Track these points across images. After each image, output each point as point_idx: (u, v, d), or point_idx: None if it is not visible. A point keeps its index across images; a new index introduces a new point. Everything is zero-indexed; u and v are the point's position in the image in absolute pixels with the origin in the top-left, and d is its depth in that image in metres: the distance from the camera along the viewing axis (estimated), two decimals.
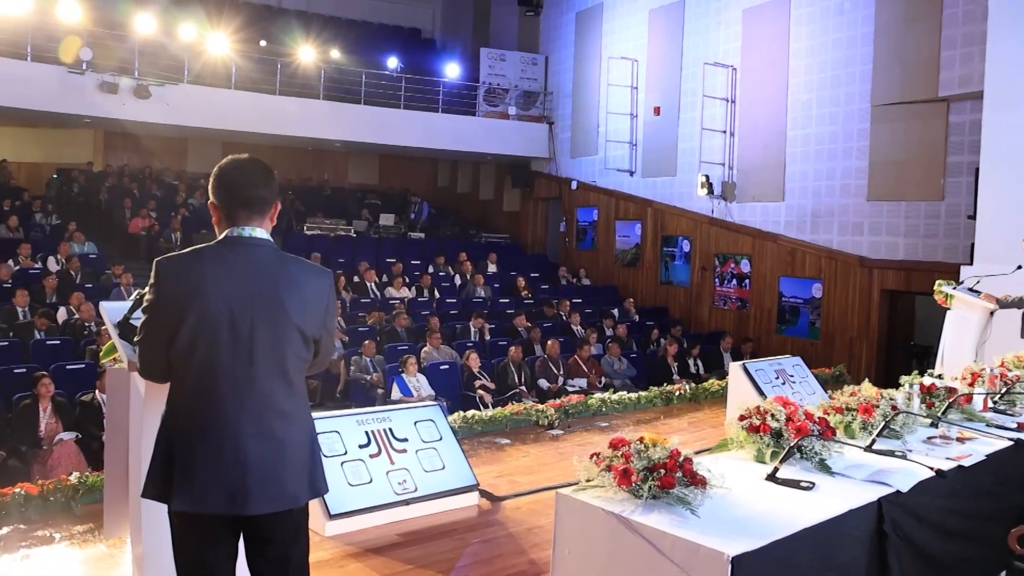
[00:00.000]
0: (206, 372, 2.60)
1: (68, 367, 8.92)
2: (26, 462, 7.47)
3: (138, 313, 3.33)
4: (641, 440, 3.16)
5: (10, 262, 12.42)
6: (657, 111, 17.04)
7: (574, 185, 19.43)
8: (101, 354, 3.88)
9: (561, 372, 11.42)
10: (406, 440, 5.72)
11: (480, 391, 10.54)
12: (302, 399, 2.77)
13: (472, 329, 13.09)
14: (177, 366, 2.64)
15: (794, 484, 3.37)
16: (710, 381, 10.63)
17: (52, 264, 13.02)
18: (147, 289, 2.68)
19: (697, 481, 3.07)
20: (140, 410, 3.39)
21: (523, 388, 10.85)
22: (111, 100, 15.17)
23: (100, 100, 15.10)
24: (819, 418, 3.83)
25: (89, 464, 7.02)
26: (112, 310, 3.56)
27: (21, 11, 14.25)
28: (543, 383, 11.18)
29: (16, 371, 8.70)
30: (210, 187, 2.77)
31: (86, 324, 10.28)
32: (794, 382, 8.37)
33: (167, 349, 2.63)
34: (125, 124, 16.71)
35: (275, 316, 2.65)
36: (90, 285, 12.00)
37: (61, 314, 10.88)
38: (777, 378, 8.21)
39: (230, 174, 2.75)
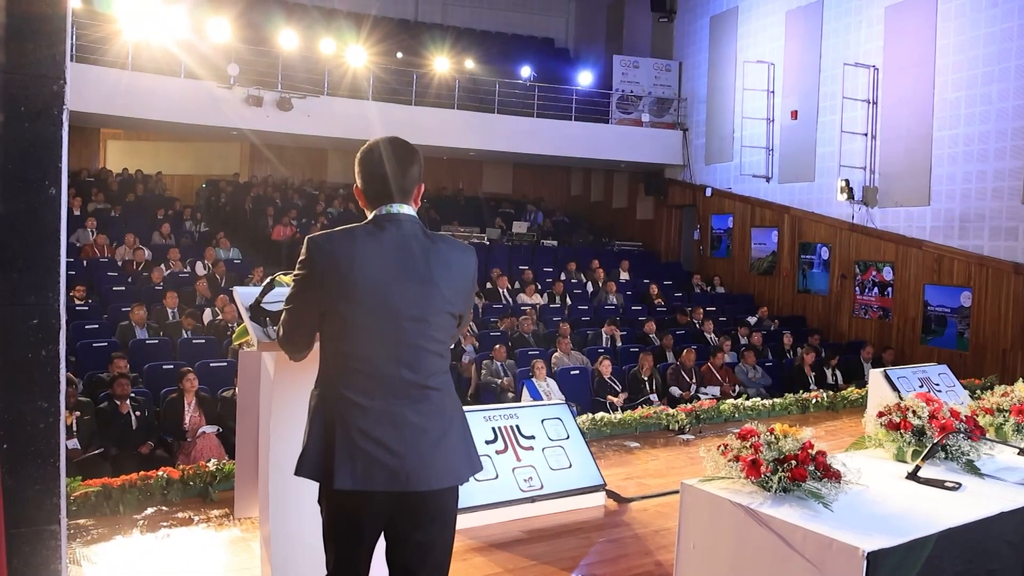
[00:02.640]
0: (362, 347, 2.59)
1: (212, 364, 9.29)
2: (171, 453, 7.82)
3: (271, 296, 3.43)
4: (771, 431, 3.04)
5: (162, 266, 13.07)
6: (794, 115, 16.57)
7: (708, 192, 19.10)
8: (233, 337, 4.00)
9: (693, 380, 11.20)
10: (533, 438, 5.69)
11: (610, 397, 10.43)
12: (448, 373, 2.76)
13: (604, 336, 13.00)
14: (331, 342, 2.65)
15: (938, 484, 3.17)
16: (849, 389, 10.23)
17: (200, 268, 13.61)
18: (297, 265, 2.68)
19: (831, 475, 2.93)
20: (270, 392, 3.46)
21: (653, 396, 10.67)
22: (256, 113, 15.83)
23: (246, 113, 15.77)
24: (966, 417, 3.60)
25: (229, 456, 7.26)
26: (244, 294, 3.66)
27: (177, 33, 15.05)
28: (675, 390, 10.99)
29: (165, 367, 9.12)
30: (356, 171, 2.78)
31: (229, 324, 10.68)
32: (939, 391, 7.93)
33: (315, 325, 2.67)
34: (269, 135, 17.39)
35: (427, 291, 2.63)
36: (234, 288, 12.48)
37: (207, 315, 11.36)
38: (921, 386, 7.81)
39: (376, 156, 2.75)
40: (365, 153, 2.77)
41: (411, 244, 2.66)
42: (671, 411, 8.36)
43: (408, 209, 2.73)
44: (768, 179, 17.26)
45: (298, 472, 2.67)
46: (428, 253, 2.67)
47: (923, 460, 3.29)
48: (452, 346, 2.90)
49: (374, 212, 2.73)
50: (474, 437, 5.16)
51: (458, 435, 2.70)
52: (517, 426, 5.69)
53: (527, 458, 5.54)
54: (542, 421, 5.85)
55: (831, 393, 10.08)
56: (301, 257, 2.66)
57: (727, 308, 16.35)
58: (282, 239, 16.14)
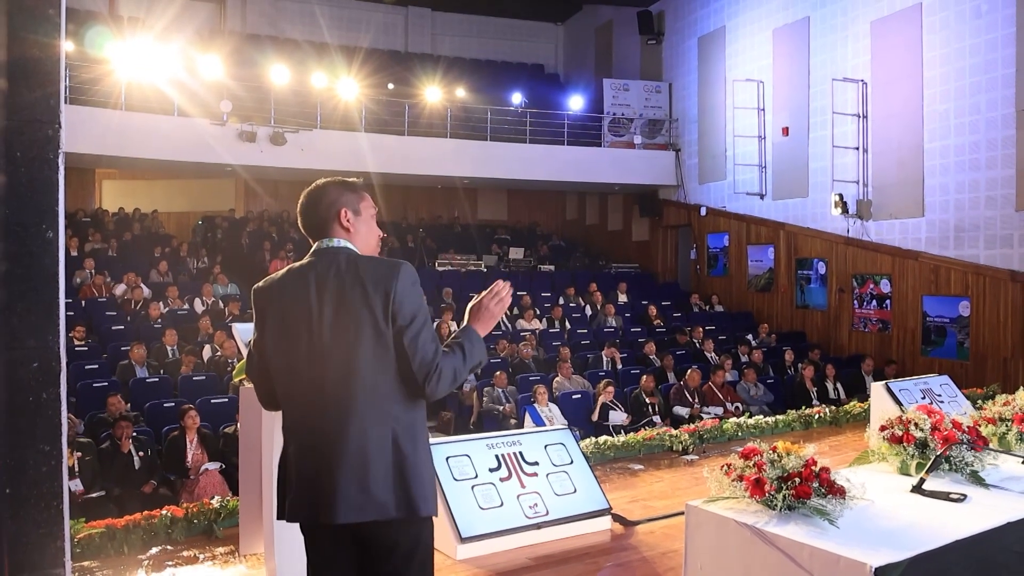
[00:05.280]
0: (288, 380, 2.68)
1: (212, 401, 9.27)
2: (175, 491, 7.79)
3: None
4: (774, 449, 3.04)
5: (160, 304, 13.07)
6: (786, 131, 16.66)
7: (703, 211, 19.15)
8: (234, 373, 4.00)
9: (696, 400, 11.18)
10: (536, 464, 5.67)
11: (612, 414, 10.41)
12: (393, 403, 2.65)
13: (604, 359, 12.99)
14: (275, 381, 2.75)
15: (943, 496, 3.16)
16: (852, 404, 10.22)
17: (198, 305, 13.61)
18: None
19: (835, 491, 2.92)
20: (271, 427, 3.47)
21: (656, 418, 10.63)
22: (249, 148, 15.90)
23: (239, 148, 15.85)
24: (968, 427, 3.59)
25: (233, 493, 7.23)
26: (244, 331, 3.67)
27: (168, 72, 15.15)
28: (680, 409, 10.96)
29: (165, 405, 9.12)
30: None
31: (229, 360, 10.67)
32: (942, 402, 7.91)
33: (266, 369, 2.75)
34: (263, 170, 17.44)
35: (341, 312, 2.64)
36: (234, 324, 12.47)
37: (206, 351, 11.35)
38: (923, 398, 7.79)
39: (299, 207, 2.88)
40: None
41: (332, 271, 2.70)
42: (674, 432, 8.33)
43: (337, 241, 2.80)
44: (762, 196, 17.31)
45: (277, 515, 2.79)
46: (345, 276, 2.68)
47: (927, 473, 3.29)
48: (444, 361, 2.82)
49: (312, 248, 2.85)
50: (477, 468, 5.16)
51: (386, 464, 2.60)
52: (520, 452, 5.67)
53: (531, 484, 5.51)
54: (545, 447, 5.83)
55: (833, 408, 10.06)
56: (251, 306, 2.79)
57: (726, 326, 16.36)
58: None
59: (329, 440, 2.59)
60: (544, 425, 9.37)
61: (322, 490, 2.57)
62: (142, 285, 13.85)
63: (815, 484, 2.91)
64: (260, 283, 2.80)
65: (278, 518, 2.76)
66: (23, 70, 2.57)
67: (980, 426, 3.85)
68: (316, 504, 2.58)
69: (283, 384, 2.70)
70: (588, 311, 16.57)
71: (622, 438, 8.03)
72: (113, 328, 12.23)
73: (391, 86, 19.88)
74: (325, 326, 2.63)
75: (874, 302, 14.83)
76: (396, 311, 2.63)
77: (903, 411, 7.23)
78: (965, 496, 3.15)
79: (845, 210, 14.96)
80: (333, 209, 2.82)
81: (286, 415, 2.72)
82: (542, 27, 25.92)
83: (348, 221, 2.82)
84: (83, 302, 13.20)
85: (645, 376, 11.25)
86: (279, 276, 2.78)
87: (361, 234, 2.84)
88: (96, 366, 10.45)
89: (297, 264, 2.79)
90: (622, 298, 17.41)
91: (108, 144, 14.79)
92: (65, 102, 2.71)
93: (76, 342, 11.02)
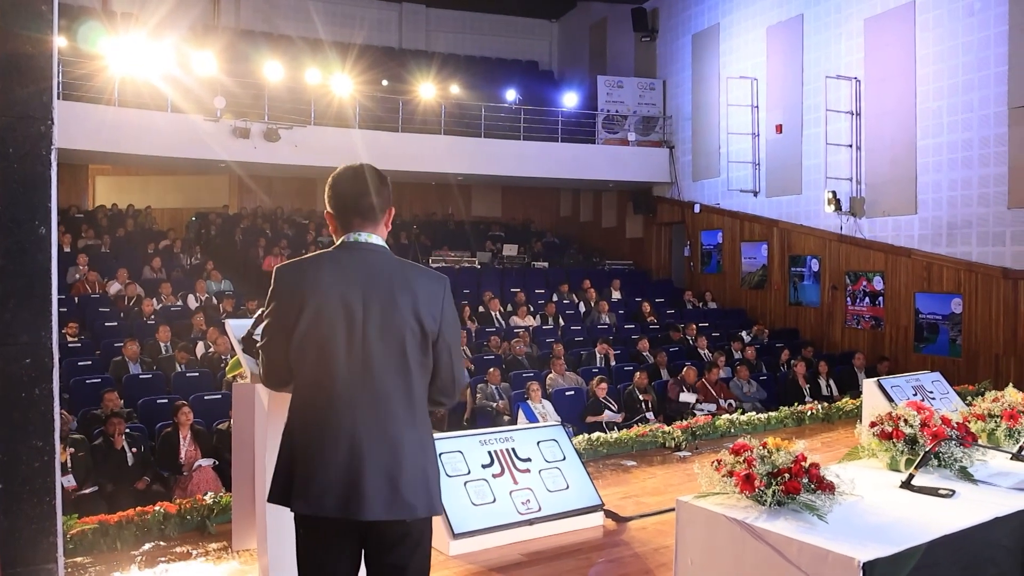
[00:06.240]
0: (321, 370, 2.62)
1: (206, 397, 9.27)
2: (168, 487, 7.79)
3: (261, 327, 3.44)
4: (764, 445, 3.06)
5: (153, 300, 13.04)
6: (779, 129, 16.68)
7: (697, 208, 19.18)
8: (227, 369, 4.00)
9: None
10: (529, 460, 5.68)
11: (606, 413, 10.42)
12: (422, 408, 2.73)
13: (597, 355, 13.01)
14: (295, 367, 2.68)
15: (932, 492, 3.19)
16: (844, 400, 10.26)
17: (192, 301, 13.59)
18: (268, 296, 2.74)
19: (825, 487, 2.94)
20: (264, 423, 3.47)
21: (649, 415, 10.65)
22: (243, 144, 15.88)
23: (233, 145, 15.83)
24: (958, 424, 3.62)
25: (226, 489, 7.23)
26: (237, 327, 3.68)
27: (162, 68, 15.12)
28: (685, 396, 11.00)
29: (159, 401, 9.11)
30: (325, 197, 2.83)
31: (223, 357, 10.66)
32: (933, 398, 7.94)
33: (287, 351, 2.67)
34: (256, 167, 17.42)
35: (389, 315, 2.64)
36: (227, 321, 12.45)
37: (200, 348, 11.34)
38: (915, 395, 7.82)
39: (343, 182, 2.80)
40: (333, 180, 2.81)
41: (376, 269, 2.69)
42: (667, 428, 8.35)
43: (376, 239, 2.77)
44: (756, 193, 17.34)
45: (268, 498, 2.73)
46: (393, 278, 2.69)
47: (916, 468, 3.31)
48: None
49: (341, 239, 2.78)
50: (469, 464, 5.18)
51: (419, 468, 2.67)
52: (513, 449, 5.68)
53: (524, 481, 5.53)
54: (538, 443, 5.84)
55: (826, 404, 10.10)
56: (271, 288, 2.72)
57: (720, 323, 16.38)
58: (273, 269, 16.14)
59: (363, 438, 2.59)
60: (537, 422, 9.39)
61: (353, 486, 2.56)
62: (135, 282, 13.80)
63: (805, 480, 2.94)
64: (288, 264, 2.74)
65: (268, 500, 2.73)
66: (16, 66, 2.57)
67: (969, 422, 3.88)
68: (347, 498, 2.56)
69: (308, 374, 2.65)
70: (582, 308, 16.59)
71: (615, 434, 8.06)
72: (106, 324, 12.20)
73: (385, 83, 19.87)
74: (372, 326, 2.62)
75: (867, 299, 14.87)
76: (443, 326, 2.74)
77: (894, 407, 7.27)
78: (954, 492, 3.17)
79: (838, 207, 15.00)
80: (388, 204, 2.84)
81: (306, 406, 2.66)
82: (536, 24, 25.92)
83: (388, 224, 2.85)
84: (76, 298, 13.16)
85: (638, 373, 11.28)
86: (314, 262, 2.71)
87: None
88: (89, 362, 10.44)
89: (333, 253, 2.75)
90: (616, 295, 17.42)
91: (101, 140, 14.75)
92: (58, 98, 2.72)
93: (69, 338, 11.00)
